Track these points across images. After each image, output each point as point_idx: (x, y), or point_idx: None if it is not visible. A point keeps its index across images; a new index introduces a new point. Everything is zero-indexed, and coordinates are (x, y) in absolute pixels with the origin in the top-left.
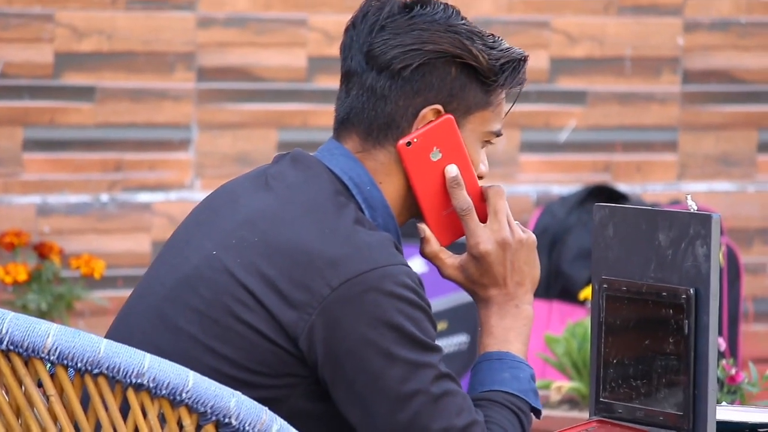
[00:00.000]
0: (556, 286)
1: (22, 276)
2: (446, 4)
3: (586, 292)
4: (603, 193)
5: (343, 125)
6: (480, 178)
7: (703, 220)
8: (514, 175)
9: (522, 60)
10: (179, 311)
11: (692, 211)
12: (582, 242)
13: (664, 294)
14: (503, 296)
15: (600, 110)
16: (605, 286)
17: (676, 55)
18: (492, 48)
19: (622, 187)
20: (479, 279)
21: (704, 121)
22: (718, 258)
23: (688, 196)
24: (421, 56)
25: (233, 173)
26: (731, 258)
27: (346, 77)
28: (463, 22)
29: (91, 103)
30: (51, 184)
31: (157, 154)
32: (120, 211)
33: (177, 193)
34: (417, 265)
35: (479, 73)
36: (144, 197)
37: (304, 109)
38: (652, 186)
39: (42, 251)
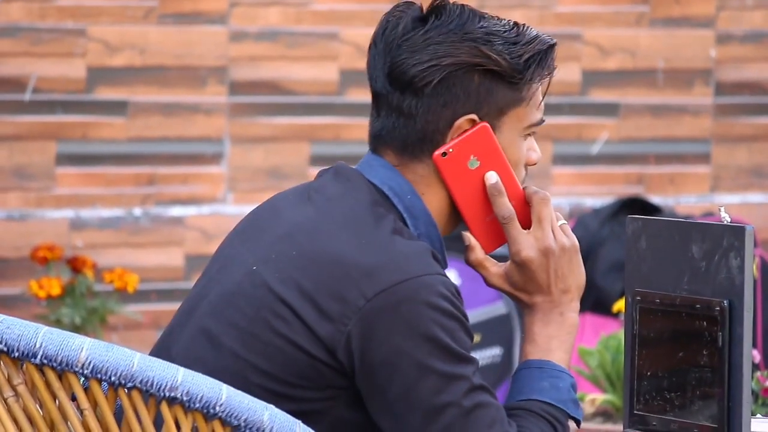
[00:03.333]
0: (589, 299)
1: (56, 290)
2: (462, 6)
3: (620, 305)
4: (636, 206)
5: (377, 141)
6: (533, 164)
7: (736, 231)
8: (546, 187)
9: (549, 48)
10: (223, 328)
11: (725, 223)
12: (615, 255)
13: (698, 306)
14: (548, 303)
15: (632, 122)
16: (638, 298)
17: (709, 67)
18: (514, 44)
19: (655, 199)
20: (524, 286)
21: (737, 133)
22: (751, 270)
23: (722, 208)
24: (440, 71)
25: (265, 187)
26: (765, 270)
27: (374, 98)
28: (480, 24)
29: (123, 118)
30: (84, 198)
31: (190, 168)
32: (153, 225)
33: (209, 207)
34: (451, 276)
35: (503, 74)
36: (176, 211)
37: (336, 123)
38: (685, 198)
39: (75, 265)
